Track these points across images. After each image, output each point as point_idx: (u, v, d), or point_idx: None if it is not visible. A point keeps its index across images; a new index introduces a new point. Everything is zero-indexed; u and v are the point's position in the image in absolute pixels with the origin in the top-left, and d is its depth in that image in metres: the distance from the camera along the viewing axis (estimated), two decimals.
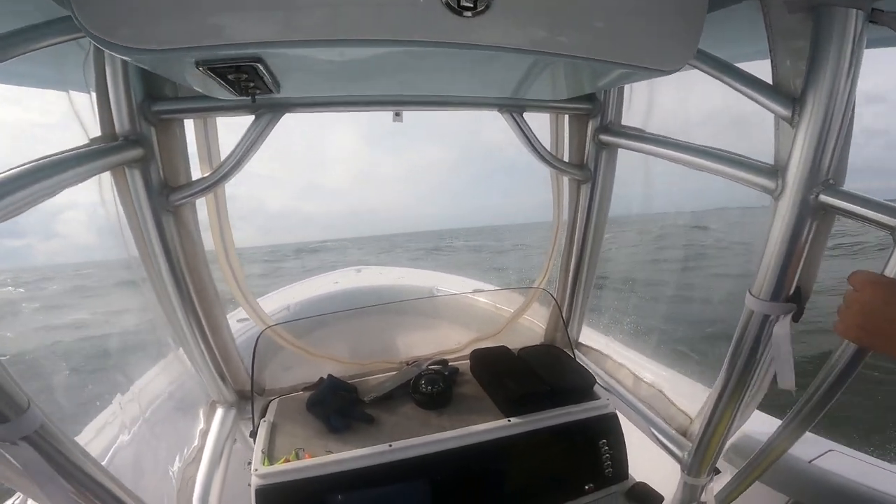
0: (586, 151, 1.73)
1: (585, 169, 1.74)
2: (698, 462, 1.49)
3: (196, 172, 1.44)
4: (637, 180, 1.81)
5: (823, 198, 1.01)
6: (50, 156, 0.99)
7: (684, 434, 1.62)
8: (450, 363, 1.89)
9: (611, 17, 0.87)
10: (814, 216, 1.05)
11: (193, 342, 1.57)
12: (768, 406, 1.45)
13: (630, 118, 1.62)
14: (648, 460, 1.65)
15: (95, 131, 1.21)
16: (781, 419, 1.26)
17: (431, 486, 1.36)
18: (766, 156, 1.14)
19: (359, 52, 0.90)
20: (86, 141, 1.18)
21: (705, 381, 1.78)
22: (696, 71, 1.16)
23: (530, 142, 1.63)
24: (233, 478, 1.54)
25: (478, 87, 1.43)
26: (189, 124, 1.40)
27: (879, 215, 0.94)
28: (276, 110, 1.36)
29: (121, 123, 1.21)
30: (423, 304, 2.39)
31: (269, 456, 1.39)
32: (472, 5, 0.76)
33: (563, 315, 2.04)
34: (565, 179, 1.84)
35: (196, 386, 1.76)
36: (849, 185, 1.04)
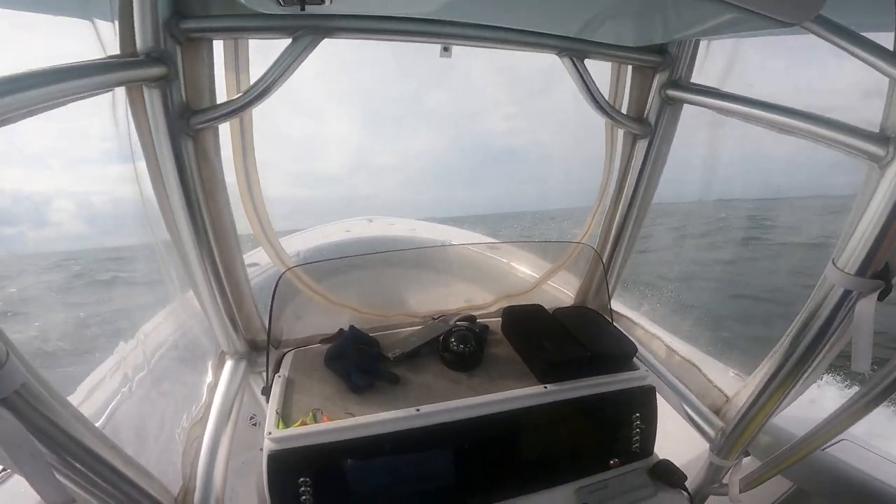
0: (648, 106, 1.61)
1: (645, 124, 1.62)
2: (731, 443, 1.44)
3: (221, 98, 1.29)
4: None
5: None
6: (68, 63, 0.88)
7: (717, 412, 1.57)
8: (477, 320, 1.81)
9: None
10: None
11: (205, 281, 1.44)
12: None
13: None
14: (672, 436, 1.60)
15: (113, 48, 1.07)
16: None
17: (457, 453, 1.29)
18: None
19: None
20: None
21: (735, 364, 1.72)
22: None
23: (589, 90, 1.49)
24: (242, 439, 1.46)
25: (539, 21, 1.28)
26: (217, 48, 1.25)
27: None
28: (317, 32, 1.21)
29: (144, 40, 1.07)
30: (445, 255, 2.28)
31: (285, 416, 1.29)
32: None
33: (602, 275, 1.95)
34: (620, 134, 1.71)
35: (204, 335, 1.64)
36: None
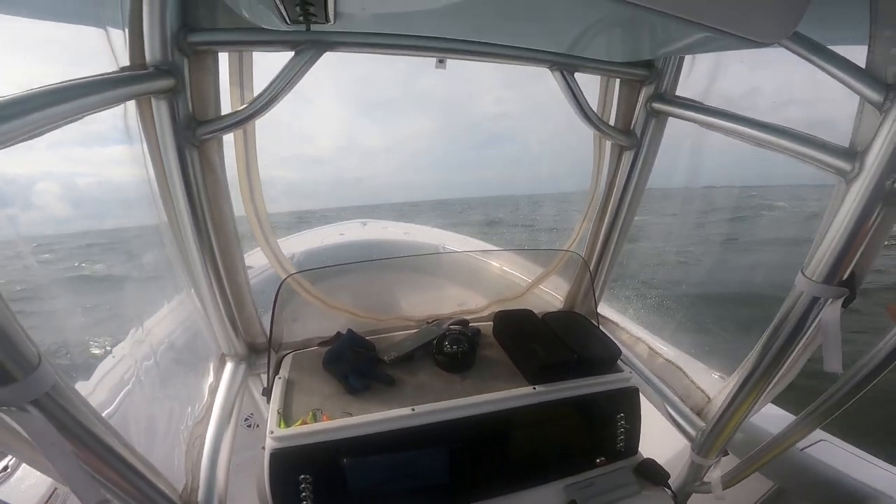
0: (635, 118, 1.67)
1: (632, 135, 1.68)
2: (710, 442, 1.50)
3: (226, 109, 1.34)
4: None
5: None
6: (80, 78, 0.91)
7: (699, 413, 1.63)
8: (470, 324, 1.86)
9: None
10: (885, 202, 1.02)
11: (207, 285, 1.49)
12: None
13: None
14: (655, 436, 1.66)
15: (124, 59, 1.11)
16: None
17: (451, 452, 1.34)
18: None
19: None
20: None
21: (718, 365, 1.79)
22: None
23: (579, 103, 1.55)
24: (244, 438, 1.49)
25: (531, 38, 1.35)
26: (223, 60, 1.30)
27: None
28: (318, 47, 1.26)
29: (152, 52, 1.12)
30: (439, 261, 2.33)
31: (286, 416, 1.34)
32: None
33: (589, 282, 2.01)
34: (608, 145, 1.78)
35: (206, 338, 1.68)
36: None
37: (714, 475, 1.54)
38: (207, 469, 1.31)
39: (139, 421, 1.36)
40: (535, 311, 1.85)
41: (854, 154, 1.05)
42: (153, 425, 1.39)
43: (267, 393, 1.48)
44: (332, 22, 1.01)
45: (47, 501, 1.25)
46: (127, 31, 1.10)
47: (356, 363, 1.55)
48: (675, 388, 1.74)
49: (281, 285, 1.65)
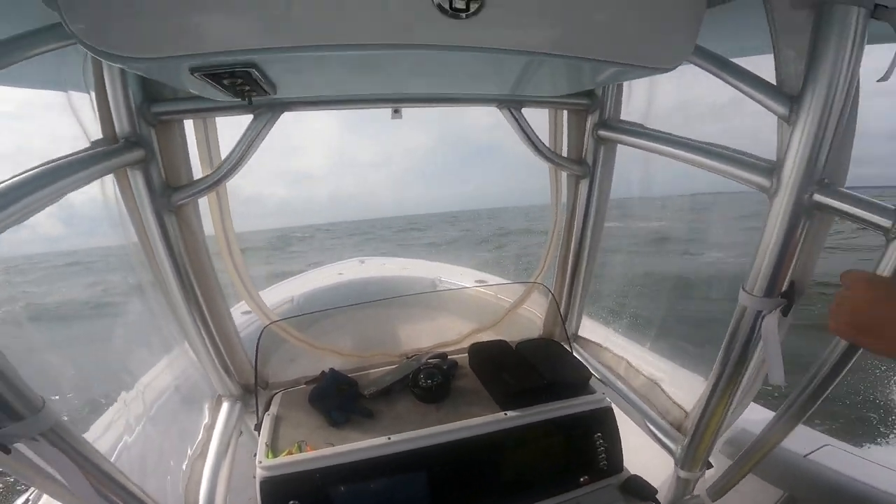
0: (585, 146, 1.73)
1: (584, 164, 1.74)
2: (691, 456, 1.51)
3: (197, 171, 1.45)
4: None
5: (818, 197, 1.01)
6: (52, 161, 1.00)
7: (678, 428, 1.64)
8: (449, 356, 1.91)
9: (605, 16, 0.87)
10: (808, 215, 1.06)
11: (198, 338, 1.59)
12: (764, 397, 1.46)
13: (629, 113, 1.61)
14: (643, 453, 1.67)
15: (95, 131, 1.22)
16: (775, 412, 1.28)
17: (430, 477, 1.38)
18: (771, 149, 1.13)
19: (352, 56, 0.90)
20: (86, 141, 1.19)
21: (704, 373, 1.79)
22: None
23: (529, 137, 1.62)
24: (239, 470, 1.57)
25: (476, 84, 1.43)
26: (189, 125, 1.40)
27: (873, 216, 0.94)
28: (274, 110, 1.37)
29: (121, 125, 1.22)
30: (425, 296, 2.40)
31: (273, 448, 1.42)
32: (464, 7, 0.76)
33: (561, 309, 2.05)
34: (564, 175, 1.84)
35: (201, 380, 1.78)
36: None
37: (700, 488, 1.55)
38: (205, 500, 1.40)
39: (140, 460, 1.46)
40: (512, 340, 1.90)
41: (772, 170, 1.08)
42: (153, 464, 1.48)
43: (258, 428, 1.56)
44: (274, 94, 1.09)
45: None
46: (93, 97, 1.19)
47: (339, 399, 1.62)
48: (654, 404, 1.75)
49: (262, 332, 1.75)
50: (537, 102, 1.62)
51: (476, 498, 1.43)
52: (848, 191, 1.00)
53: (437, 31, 0.79)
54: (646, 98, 1.56)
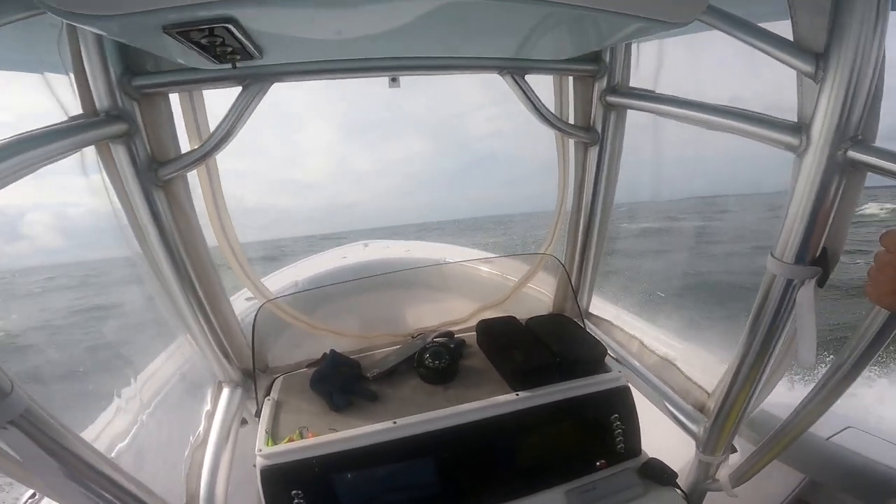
0: (593, 114, 1.66)
1: (592, 131, 1.67)
2: (714, 439, 1.45)
3: (185, 146, 1.39)
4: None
5: (852, 154, 0.95)
6: (30, 131, 0.95)
7: (701, 409, 1.57)
8: (456, 335, 1.86)
9: None
10: (842, 173, 0.99)
11: (194, 321, 1.54)
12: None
13: (637, 82, 1.54)
14: (662, 436, 1.61)
15: (74, 109, 1.16)
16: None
17: (438, 462, 1.34)
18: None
19: (340, 12, 0.82)
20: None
21: (722, 353, 1.73)
22: (706, 33, 1.10)
23: (533, 104, 1.55)
24: (241, 458, 1.53)
25: (478, 48, 1.36)
26: (175, 99, 1.35)
27: None
28: (263, 79, 1.31)
29: (100, 99, 1.17)
30: (429, 274, 2.33)
31: (274, 435, 1.37)
32: None
33: (573, 283, 1.99)
34: (571, 143, 1.76)
35: (201, 366, 1.73)
36: None
37: (723, 473, 1.49)
38: (206, 490, 1.36)
39: (144, 448, 1.43)
40: (521, 316, 1.84)
41: (800, 128, 1.03)
42: (156, 454, 1.45)
43: (258, 414, 1.52)
44: (261, 57, 1.03)
45: None
46: (73, 78, 1.15)
47: (340, 381, 1.57)
48: (673, 385, 1.68)
49: (258, 311, 1.69)
50: (542, 68, 1.54)
51: (486, 484, 1.39)
52: (884, 148, 0.93)
53: None
54: (654, 67, 1.50)
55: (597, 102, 1.62)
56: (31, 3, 0.87)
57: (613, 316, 2.04)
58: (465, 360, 1.69)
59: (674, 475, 1.44)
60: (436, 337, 1.81)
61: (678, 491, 1.43)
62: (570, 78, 1.64)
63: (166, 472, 1.38)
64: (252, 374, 1.78)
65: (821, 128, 0.97)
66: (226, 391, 1.72)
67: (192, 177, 1.47)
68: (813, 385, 1.15)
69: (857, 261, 7.24)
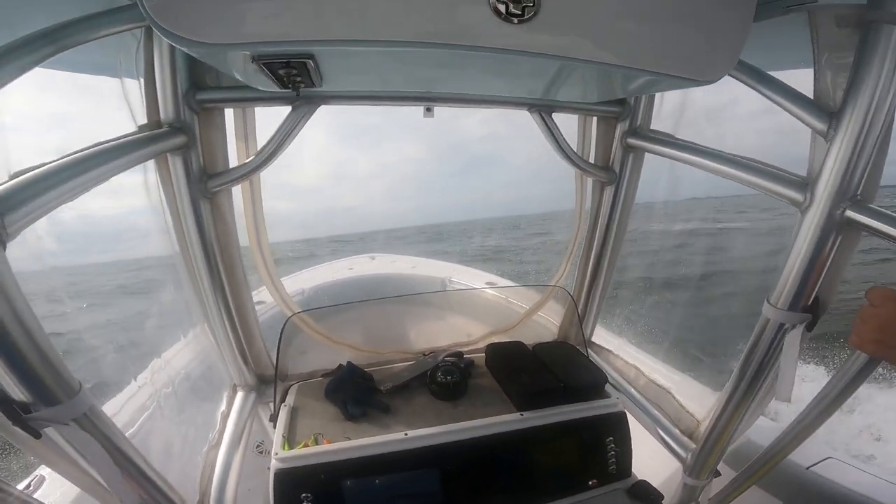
0: (613, 154, 1.75)
1: (610, 171, 1.76)
2: (700, 464, 1.53)
3: (233, 160, 1.47)
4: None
5: (850, 213, 1.03)
6: (101, 143, 1.03)
7: (690, 436, 1.65)
8: (465, 355, 1.93)
9: (653, 28, 0.89)
10: (839, 231, 1.07)
11: (220, 324, 1.61)
12: None
13: (660, 122, 1.63)
14: (651, 459, 1.69)
15: (141, 116, 1.25)
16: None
17: (444, 474, 1.40)
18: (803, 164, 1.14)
19: (403, 52, 0.92)
20: (132, 125, 1.22)
21: (714, 384, 1.80)
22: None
23: (557, 142, 1.64)
24: (250, 461, 1.58)
25: (509, 87, 1.45)
26: (228, 114, 1.43)
27: None
28: (313, 102, 1.40)
29: (166, 111, 1.25)
30: (441, 295, 2.42)
31: (289, 440, 1.43)
32: (520, 13, 0.79)
33: (579, 312, 2.07)
34: (589, 180, 1.86)
35: (220, 369, 1.79)
36: None
37: (705, 497, 1.57)
38: (217, 489, 1.41)
39: (159, 443, 1.48)
40: (528, 342, 1.92)
41: (805, 185, 1.10)
42: (171, 447, 1.50)
43: (273, 419, 1.57)
44: (320, 86, 1.11)
45: None
46: (143, 88, 1.22)
47: (355, 392, 1.64)
48: (666, 411, 1.76)
49: (285, 324, 1.76)
50: (568, 108, 1.64)
51: (486, 496, 1.45)
52: (881, 209, 1.01)
53: (491, 35, 0.80)
54: (678, 107, 1.57)
55: (617, 143, 1.71)
56: (132, 17, 0.97)
57: (615, 347, 2.12)
58: (473, 380, 1.76)
59: (660, 497, 1.52)
60: (446, 356, 1.88)
61: None
62: (595, 118, 1.73)
63: (179, 469, 1.42)
64: (264, 379, 1.84)
65: (825, 185, 1.04)
66: (240, 394, 1.78)
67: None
68: (795, 416, 1.24)
69: None
